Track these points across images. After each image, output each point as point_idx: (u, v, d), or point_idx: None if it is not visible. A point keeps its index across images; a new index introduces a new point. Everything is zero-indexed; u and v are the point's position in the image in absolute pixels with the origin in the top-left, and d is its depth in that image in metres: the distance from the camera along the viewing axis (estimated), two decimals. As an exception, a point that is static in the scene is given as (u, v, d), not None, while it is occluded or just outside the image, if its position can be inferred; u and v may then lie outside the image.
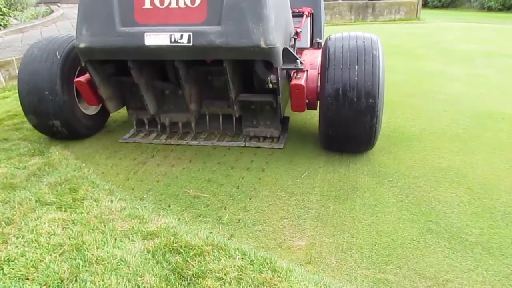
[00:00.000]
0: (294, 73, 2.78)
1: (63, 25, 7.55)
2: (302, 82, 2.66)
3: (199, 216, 2.01)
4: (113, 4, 2.45)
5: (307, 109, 2.86)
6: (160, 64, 2.96)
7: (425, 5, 18.71)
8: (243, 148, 2.85)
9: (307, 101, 2.80)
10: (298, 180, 2.37)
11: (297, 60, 2.56)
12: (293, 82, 2.67)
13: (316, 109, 2.85)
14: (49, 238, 1.80)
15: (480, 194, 2.22)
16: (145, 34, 2.39)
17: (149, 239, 1.81)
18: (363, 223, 1.95)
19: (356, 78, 2.45)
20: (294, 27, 3.13)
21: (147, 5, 2.41)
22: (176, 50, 2.39)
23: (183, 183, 2.33)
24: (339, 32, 2.81)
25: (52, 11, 9.70)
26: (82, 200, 2.11)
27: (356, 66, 2.46)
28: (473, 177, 2.41)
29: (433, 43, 7.61)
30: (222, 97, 3.01)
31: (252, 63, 2.79)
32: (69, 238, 1.80)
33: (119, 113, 3.55)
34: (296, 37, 2.96)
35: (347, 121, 2.53)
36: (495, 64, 5.58)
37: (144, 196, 2.19)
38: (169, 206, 2.09)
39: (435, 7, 19.59)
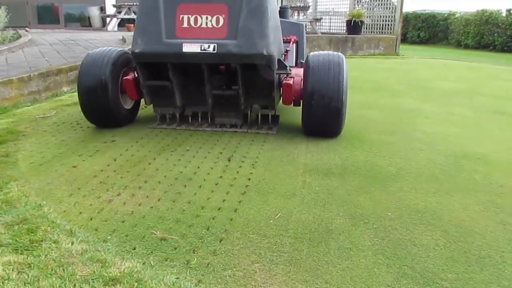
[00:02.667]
0: (284, 77, 3.92)
1: (31, 52, 7.49)
2: (291, 82, 3.81)
3: (166, 260, 1.98)
4: (161, 23, 3.58)
5: (293, 105, 3.93)
6: (187, 71, 4.00)
7: (404, 40, 19.54)
8: (225, 168, 2.86)
9: (293, 98, 3.84)
10: (271, 221, 2.35)
11: (287, 67, 3.83)
12: (284, 81, 3.81)
13: (299, 105, 3.91)
14: (3, 283, 1.74)
15: (455, 237, 2.25)
16: (183, 44, 3.52)
17: (111, 285, 1.76)
18: (338, 268, 1.95)
19: (327, 81, 3.57)
20: (284, 48, 4.64)
21: (185, 25, 3.58)
22: (204, 55, 3.52)
23: (150, 224, 2.30)
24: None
25: (19, 36, 9.68)
26: (40, 241, 2.05)
27: (328, 73, 3.59)
28: (449, 219, 2.44)
29: (411, 79, 7.82)
30: (230, 107, 4.05)
31: (255, 67, 3.80)
32: (24, 284, 1.74)
33: (86, 148, 3.59)
34: (286, 53, 4.58)
35: (322, 112, 3.62)
36: (471, 102, 5.77)
37: (108, 238, 2.15)
38: (134, 248, 2.05)
39: (414, 42, 20.46)
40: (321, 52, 3.97)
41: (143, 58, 3.70)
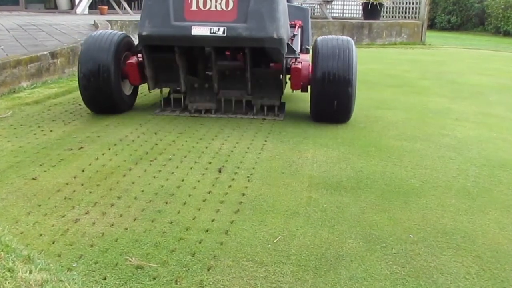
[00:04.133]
0: (292, 62, 4.53)
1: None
2: (299, 66, 4.39)
3: (143, 292, 2.12)
4: (169, 6, 4.10)
5: (301, 90, 4.57)
6: (194, 59, 4.65)
7: (431, 26, 19.59)
8: (215, 181, 2.89)
9: (301, 83, 4.43)
10: (269, 245, 2.34)
11: (295, 51, 4.48)
12: (293, 66, 4.40)
13: (307, 91, 4.55)
14: None
15: (491, 263, 2.23)
16: (192, 27, 4.03)
17: (76, 323, 1.86)
18: (349, 302, 2.06)
19: (337, 65, 4.12)
20: (291, 32, 5.18)
21: (194, 7, 4.09)
22: (213, 39, 4.04)
23: (125, 249, 2.28)
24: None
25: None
26: (-9, 270, 2.21)
27: (337, 57, 4.14)
28: (483, 242, 2.43)
29: (439, 73, 7.85)
30: (236, 87, 4.69)
31: (264, 51, 4.31)
32: (-29, 322, 1.86)
33: (48, 156, 3.62)
34: (293, 38, 5.16)
35: (332, 97, 4.18)
36: (510, 101, 5.75)
37: (73, 266, 2.12)
38: (105, 279, 2.03)
39: (443, 29, 20.52)
40: (329, 36, 4.54)
41: (150, 41, 4.23)
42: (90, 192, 2.87)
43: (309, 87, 4.61)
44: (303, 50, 5.79)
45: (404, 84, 6.69)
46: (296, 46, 5.58)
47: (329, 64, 4.17)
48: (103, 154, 3.54)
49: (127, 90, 4.93)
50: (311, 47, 5.28)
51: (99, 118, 4.69)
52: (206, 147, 3.77)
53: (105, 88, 4.48)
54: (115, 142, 3.89)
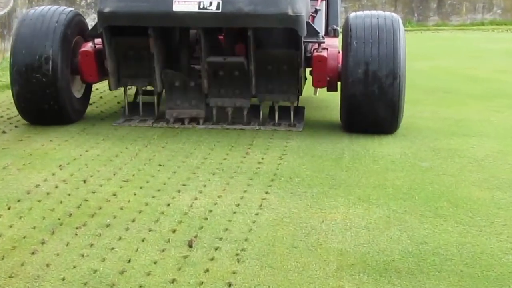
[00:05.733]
0: (315, 49, 4.65)
1: None
2: (325, 54, 4.52)
3: None
4: None
5: (328, 89, 4.75)
6: (175, 47, 5.01)
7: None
8: None
9: (328, 78, 4.61)
10: None
11: (319, 34, 4.55)
12: (316, 54, 4.50)
13: (336, 89, 4.76)
14: None
15: None
16: (174, 0, 4.16)
17: None
18: None
19: (378, 53, 4.30)
20: (311, 7, 5.29)
21: None
22: (204, 16, 4.19)
23: None
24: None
25: None
26: None
27: (378, 42, 4.36)
28: None
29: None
30: (234, 92, 4.99)
31: (274, 34, 4.56)
32: None
33: None
34: (315, 14, 5.40)
35: (370, 98, 4.39)
36: None
37: None
38: None
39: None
40: (366, 12, 4.62)
41: (114, 21, 4.36)
42: (-22, 281, 2.73)
43: (338, 84, 4.68)
44: (330, 32, 5.89)
45: (497, 95, 6.60)
46: (320, 26, 5.60)
47: (366, 52, 4.29)
48: (-1, 215, 3.45)
49: (78, 90, 4.98)
50: (341, 27, 5.35)
51: (30, 134, 4.78)
52: (169, 204, 3.68)
53: (47, 88, 4.51)
54: (21, 194, 3.80)
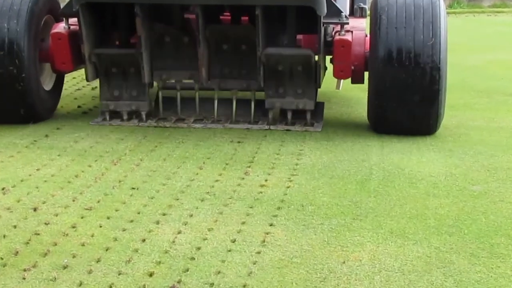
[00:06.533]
0: (337, 31, 4.80)
1: None
2: (349, 38, 4.64)
3: None
4: None
5: (352, 80, 4.90)
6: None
7: None
8: None
9: (353, 66, 4.74)
10: None
11: (342, 13, 4.67)
12: (337, 37, 4.65)
13: (362, 81, 4.93)
14: None
15: None
16: None
17: None
18: None
19: (413, 38, 4.45)
20: None
21: None
22: None
23: None
24: None
25: None
26: None
27: (413, 24, 4.50)
28: None
29: None
30: (237, 74, 5.24)
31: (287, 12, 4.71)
32: None
33: None
34: None
35: (404, 91, 4.55)
36: None
37: None
38: None
39: None
40: None
41: None
42: None
43: (365, 74, 4.74)
44: (355, 12, 6.08)
45: None
46: (343, 4, 5.72)
47: (399, 36, 4.36)
48: None
49: (48, 81, 5.02)
50: (369, 6, 5.47)
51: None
52: (144, 239, 3.58)
53: (10, 78, 4.53)
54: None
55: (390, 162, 4.62)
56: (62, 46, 4.70)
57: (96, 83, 5.65)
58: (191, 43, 4.96)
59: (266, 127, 4.89)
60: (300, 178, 4.10)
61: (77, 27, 4.77)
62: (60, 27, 4.78)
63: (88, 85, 5.85)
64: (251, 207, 3.81)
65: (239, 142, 4.85)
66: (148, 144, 4.87)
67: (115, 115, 5.39)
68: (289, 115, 5.03)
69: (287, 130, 4.75)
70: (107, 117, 5.38)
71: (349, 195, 4.22)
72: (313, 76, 4.89)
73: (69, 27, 4.79)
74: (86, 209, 3.99)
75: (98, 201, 4.07)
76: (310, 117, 5.03)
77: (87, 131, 5.12)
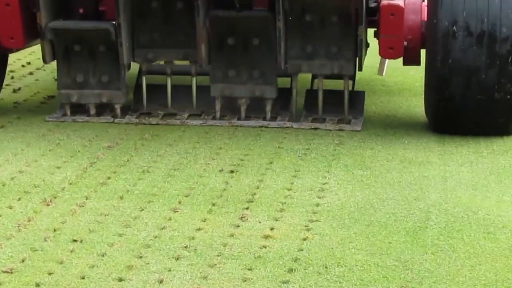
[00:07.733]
0: None
1: None
2: (400, 3, 4.62)
3: None
4: None
5: (405, 61, 5.10)
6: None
7: None
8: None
9: (405, 42, 4.83)
10: None
11: None
12: (385, 3, 4.70)
13: (418, 62, 5.18)
14: None
15: None
16: None
17: None
18: None
19: (487, 7, 4.51)
20: None
21: None
22: None
23: None
24: None
25: None
26: None
27: None
28: None
29: None
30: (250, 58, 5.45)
31: None
32: None
33: None
34: None
35: (475, 75, 4.53)
36: None
37: None
38: None
39: None
40: None
41: None
42: None
43: (422, 53, 4.63)
44: None
45: None
46: None
47: (468, 2, 4.29)
48: None
49: None
50: None
51: None
52: None
53: None
54: None
55: (456, 202, 4.14)
56: (10, 16, 4.58)
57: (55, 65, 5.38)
58: (187, 10, 4.80)
59: (288, 124, 5.02)
60: (323, 226, 3.64)
61: None
62: None
63: (44, 68, 5.83)
64: (249, 269, 3.41)
65: (231, 171, 4.37)
66: (99, 171, 4.45)
67: (79, 108, 5.39)
68: (320, 100, 5.15)
69: (315, 128, 4.77)
70: (68, 112, 5.50)
71: (396, 251, 3.87)
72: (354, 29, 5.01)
73: None
74: (5, 272, 3.67)
75: (23, 260, 3.72)
76: (347, 108, 5.28)
77: (37, 133, 5.11)
